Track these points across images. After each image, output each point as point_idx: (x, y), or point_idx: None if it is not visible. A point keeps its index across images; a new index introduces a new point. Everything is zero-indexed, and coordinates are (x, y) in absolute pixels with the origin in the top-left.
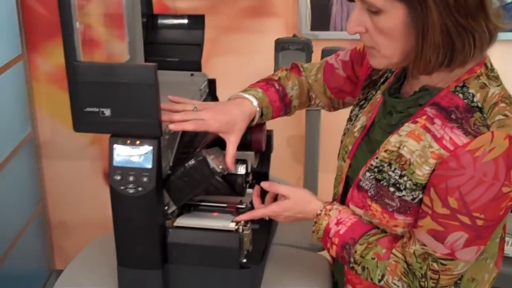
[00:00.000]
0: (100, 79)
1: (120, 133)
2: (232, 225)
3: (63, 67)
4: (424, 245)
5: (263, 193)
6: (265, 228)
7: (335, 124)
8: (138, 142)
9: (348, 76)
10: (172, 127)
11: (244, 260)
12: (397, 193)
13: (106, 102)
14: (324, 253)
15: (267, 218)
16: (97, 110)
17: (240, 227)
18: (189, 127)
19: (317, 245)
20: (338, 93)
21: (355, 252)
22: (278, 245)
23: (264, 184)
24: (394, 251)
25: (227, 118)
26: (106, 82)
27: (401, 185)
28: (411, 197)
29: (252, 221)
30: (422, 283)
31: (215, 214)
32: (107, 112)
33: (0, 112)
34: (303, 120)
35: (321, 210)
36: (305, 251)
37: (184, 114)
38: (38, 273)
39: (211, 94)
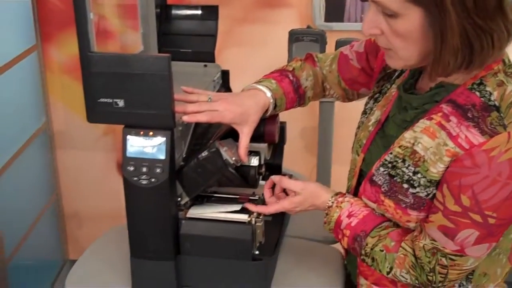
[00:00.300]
0: (114, 69)
1: (134, 124)
2: (245, 217)
3: (77, 58)
4: (434, 240)
5: (275, 186)
6: (277, 220)
7: (349, 116)
8: (151, 133)
9: (362, 67)
10: (186, 118)
11: (257, 252)
12: (411, 190)
13: (119, 93)
14: (337, 245)
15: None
16: (111, 101)
17: (253, 219)
18: (203, 118)
19: (330, 237)
20: (353, 85)
21: (366, 244)
22: (291, 237)
23: (274, 178)
24: (403, 244)
25: (241, 109)
26: (120, 72)
27: (415, 182)
28: (425, 193)
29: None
30: (430, 277)
31: (228, 206)
32: (121, 103)
33: (15, 103)
34: (317, 112)
35: (332, 202)
36: (318, 244)
37: (198, 105)
38: (52, 263)
39: (225, 85)
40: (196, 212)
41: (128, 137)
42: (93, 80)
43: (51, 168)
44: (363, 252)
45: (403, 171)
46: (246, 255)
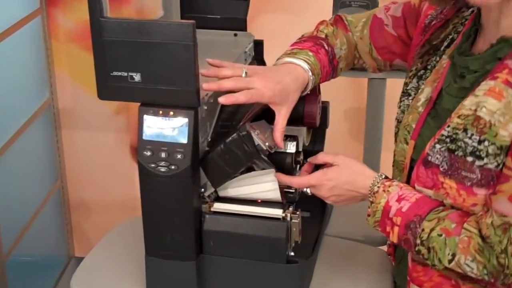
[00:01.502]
0: (130, 38)
1: (152, 101)
2: (278, 212)
3: (87, 24)
4: (504, 215)
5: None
6: (316, 217)
7: None
8: (172, 112)
9: (399, 35)
10: (223, 100)
11: (292, 254)
12: (478, 162)
13: (136, 65)
14: (386, 248)
15: (308, 192)
16: (125, 74)
17: (288, 215)
18: (242, 98)
19: (378, 238)
20: (386, 54)
21: (423, 230)
22: (332, 236)
23: (311, 159)
24: (466, 225)
25: (280, 86)
26: (136, 42)
27: (481, 152)
28: (495, 163)
29: (303, 209)
30: (502, 260)
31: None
32: (137, 77)
33: (15, 75)
34: (364, 90)
35: (378, 187)
36: (363, 245)
37: (235, 81)
38: (55, 260)
39: (257, 57)
40: (222, 205)
41: (145, 117)
42: (105, 50)
43: (55, 151)
44: (418, 241)
45: (465, 143)
46: (279, 257)
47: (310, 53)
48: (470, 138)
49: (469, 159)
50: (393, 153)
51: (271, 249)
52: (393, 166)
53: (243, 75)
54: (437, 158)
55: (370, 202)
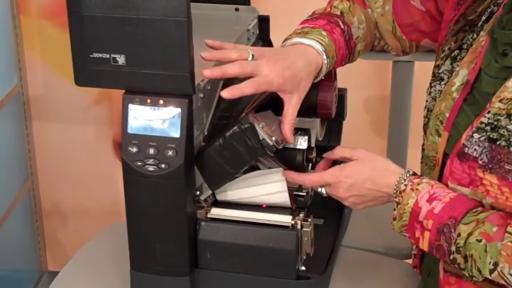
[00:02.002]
0: (112, 13)
1: (138, 88)
2: (287, 219)
3: None
4: None
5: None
6: (332, 224)
7: None
8: (161, 101)
9: (427, 10)
10: (225, 94)
11: (303, 268)
12: None
13: (119, 45)
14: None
15: (323, 193)
16: (107, 56)
17: (299, 222)
18: (248, 90)
19: (399, 250)
20: (412, 33)
21: (459, 235)
22: (349, 248)
23: (327, 154)
24: (509, 228)
25: (291, 72)
26: (120, 18)
27: None
28: None
29: (315, 215)
30: None
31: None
32: (121, 59)
33: None
34: (388, 75)
35: (405, 185)
36: (385, 257)
37: (240, 66)
38: (24, 276)
39: (263, 36)
40: (220, 211)
41: (130, 106)
42: (84, 28)
43: (24, 146)
44: (452, 248)
45: (509, 131)
46: (288, 272)
47: (324, 33)
48: None
49: None
50: (421, 148)
51: (278, 263)
52: (421, 162)
53: (249, 58)
54: (475, 149)
55: (396, 203)
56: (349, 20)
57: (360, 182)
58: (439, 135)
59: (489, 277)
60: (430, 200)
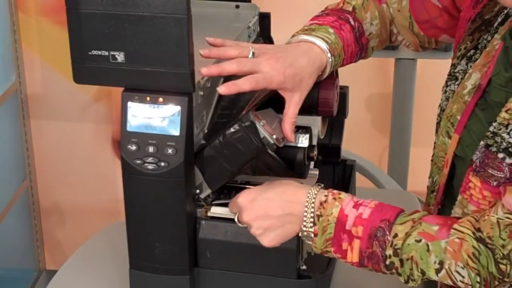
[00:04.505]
0: (111, 10)
1: (137, 86)
2: None
3: None
4: None
5: None
6: None
7: (437, 79)
8: (161, 99)
9: (444, 6)
10: (223, 90)
11: (304, 267)
12: (508, 160)
13: (118, 43)
14: None
15: (237, 222)
16: (106, 53)
17: None
18: (245, 86)
19: None
20: (429, 30)
21: (395, 236)
22: None
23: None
24: (456, 226)
25: (293, 69)
26: (119, 15)
27: None
28: None
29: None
30: (503, 266)
31: None
32: (120, 56)
33: None
34: (391, 73)
35: (325, 195)
36: None
37: (239, 63)
38: (22, 275)
39: (264, 33)
40: (220, 210)
41: (130, 104)
42: (83, 25)
43: (22, 145)
44: (388, 252)
45: (502, 138)
46: (289, 271)
47: (331, 30)
48: (508, 133)
49: (500, 155)
50: (422, 147)
51: (279, 262)
52: (432, 160)
53: (250, 55)
54: (476, 154)
55: (318, 216)
56: (361, 16)
57: (265, 197)
58: (450, 137)
59: (435, 277)
60: (356, 206)
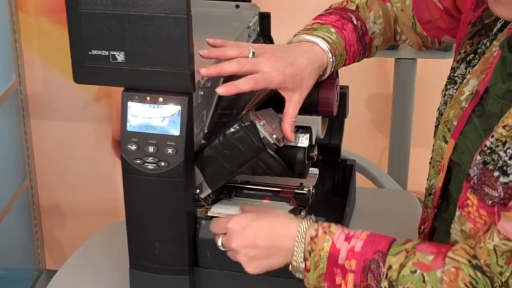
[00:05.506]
0: (111, 10)
1: (137, 86)
2: None
3: None
4: (509, 240)
5: None
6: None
7: (437, 79)
8: (161, 99)
9: (445, 8)
10: (221, 91)
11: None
12: (502, 179)
13: (118, 42)
14: None
15: (220, 245)
16: (106, 53)
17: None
18: (244, 86)
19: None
20: (432, 30)
21: (390, 268)
22: None
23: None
24: (451, 254)
25: (293, 69)
26: (119, 14)
27: (509, 168)
28: None
29: (317, 213)
30: None
31: (265, 201)
32: (120, 56)
33: None
34: (391, 73)
35: (315, 230)
36: None
37: (238, 63)
38: (23, 274)
39: (264, 33)
40: (220, 210)
41: (130, 104)
42: (83, 25)
43: (22, 145)
44: (384, 284)
45: (499, 156)
46: (288, 271)
47: (333, 30)
48: (505, 151)
49: (496, 174)
50: (422, 147)
51: None
52: (430, 163)
53: (250, 55)
54: (473, 170)
55: (309, 251)
56: (364, 15)
57: (256, 229)
58: (446, 142)
59: None
60: (347, 239)
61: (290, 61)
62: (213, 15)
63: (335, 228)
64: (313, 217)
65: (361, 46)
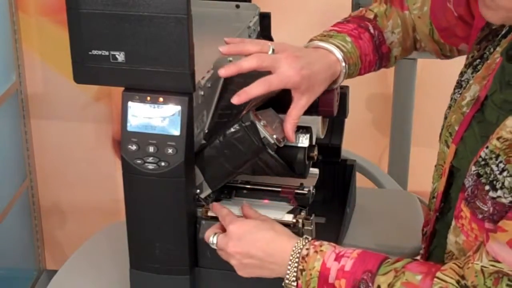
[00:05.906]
0: (112, 10)
1: (138, 86)
2: (288, 218)
3: None
4: (497, 261)
5: None
6: (334, 223)
7: (437, 80)
8: (161, 99)
9: (460, 15)
10: (234, 100)
11: None
12: (491, 193)
13: (119, 42)
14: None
15: (214, 243)
16: (107, 53)
17: (300, 221)
18: (258, 91)
19: (402, 249)
20: (449, 38)
21: (378, 287)
22: (349, 246)
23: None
24: (439, 274)
25: (309, 71)
26: (120, 14)
27: (498, 183)
28: (510, 199)
29: (317, 213)
30: None
31: (266, 201)
32: (120, 56)
33: None
34: (391, 73)
35: (307, 249)
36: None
37: (259, 58)
38: (23, 274)
39: (264, 33)
40: None
41: (130, 104)
42: (83, 25)
43: (23, 144)
44: None
45: (491, 169)
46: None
47: (348, 39)
48: (497, 165)
49: (487, 187)
50: (422, 147)
51: None
52: (435, 166)
53: (270, 52)
54: (468, 181)
55: (300, 270)
56: (382, 24)
57: (255, 240)
58: (448, 146)
59: None
60: (338, 258)
61: (307, 62)
62: (213, 15)
63: (326, 247)
64: (309, 237)
65: (377, 56)
